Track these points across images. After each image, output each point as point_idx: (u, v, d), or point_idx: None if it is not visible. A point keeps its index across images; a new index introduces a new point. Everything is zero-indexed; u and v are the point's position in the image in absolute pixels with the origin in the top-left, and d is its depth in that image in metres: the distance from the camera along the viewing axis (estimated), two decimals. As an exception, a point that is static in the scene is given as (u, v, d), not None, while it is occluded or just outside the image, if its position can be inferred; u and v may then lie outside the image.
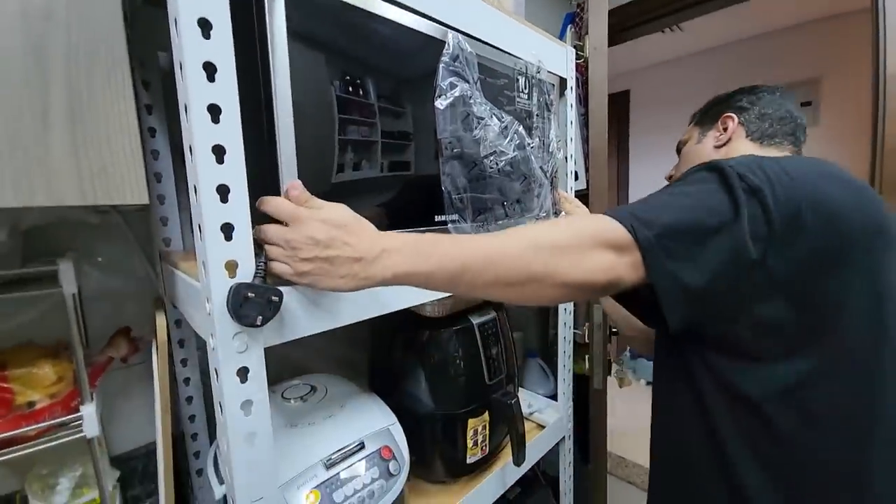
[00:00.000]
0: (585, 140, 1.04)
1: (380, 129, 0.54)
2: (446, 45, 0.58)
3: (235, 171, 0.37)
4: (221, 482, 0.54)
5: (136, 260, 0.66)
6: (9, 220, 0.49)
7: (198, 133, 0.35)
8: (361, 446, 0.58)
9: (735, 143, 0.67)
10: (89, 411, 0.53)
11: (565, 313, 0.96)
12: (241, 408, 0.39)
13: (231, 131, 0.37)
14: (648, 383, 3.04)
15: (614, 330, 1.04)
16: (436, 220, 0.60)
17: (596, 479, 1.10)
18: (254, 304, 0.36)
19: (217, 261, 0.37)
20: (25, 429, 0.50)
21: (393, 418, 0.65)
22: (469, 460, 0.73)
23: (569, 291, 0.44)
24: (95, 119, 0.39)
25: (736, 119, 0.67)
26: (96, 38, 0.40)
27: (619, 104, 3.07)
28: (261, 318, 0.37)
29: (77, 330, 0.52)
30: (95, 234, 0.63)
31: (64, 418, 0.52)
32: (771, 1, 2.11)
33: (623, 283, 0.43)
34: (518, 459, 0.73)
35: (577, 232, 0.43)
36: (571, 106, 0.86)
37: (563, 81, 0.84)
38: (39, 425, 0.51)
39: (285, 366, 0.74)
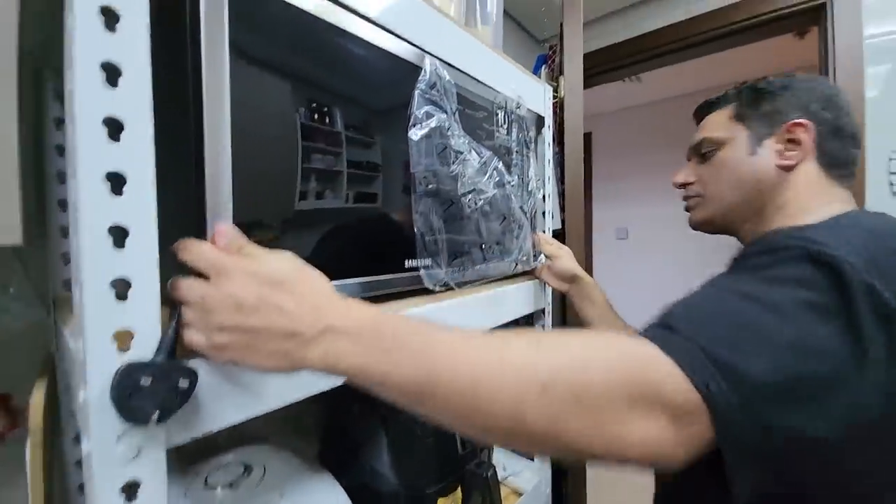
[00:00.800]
0: (560, 179, 1.01)
1: (343, 160, 0.46)
2: (423, 71, 0.52)
3: (139, 207, 0.27)
4: None
5: (23, 307, 0.52)
6: None
7: (85, 154, 0.25)
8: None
9: (802, 169, 0.49)
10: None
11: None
12: (123, 538, 0.27)
13: (137, 154, 0.27)
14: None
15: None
16: (406, 265, 0.52)
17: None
18: (151, 392, 0.26)
19: (102, 329, 0.26)
20: None
21: (348, 502, 0.53)
22: (438, 549, 0.61)
23: (575, 457, 0.32)
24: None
25: (813, 131, 0.49)
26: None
27: (584, 146, 3.20)
28: (158, 412, 0.26)
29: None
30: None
31: None
32: (718, 60, 2.31)
33: (665, 463, 0.29)
34: (495, 544, 0.63)
35: (610, 371, 0.29)
36: (549, 144, 0.83)
37: (540, 119, 0.81)
38: None
39: (218, 445, 0.61)
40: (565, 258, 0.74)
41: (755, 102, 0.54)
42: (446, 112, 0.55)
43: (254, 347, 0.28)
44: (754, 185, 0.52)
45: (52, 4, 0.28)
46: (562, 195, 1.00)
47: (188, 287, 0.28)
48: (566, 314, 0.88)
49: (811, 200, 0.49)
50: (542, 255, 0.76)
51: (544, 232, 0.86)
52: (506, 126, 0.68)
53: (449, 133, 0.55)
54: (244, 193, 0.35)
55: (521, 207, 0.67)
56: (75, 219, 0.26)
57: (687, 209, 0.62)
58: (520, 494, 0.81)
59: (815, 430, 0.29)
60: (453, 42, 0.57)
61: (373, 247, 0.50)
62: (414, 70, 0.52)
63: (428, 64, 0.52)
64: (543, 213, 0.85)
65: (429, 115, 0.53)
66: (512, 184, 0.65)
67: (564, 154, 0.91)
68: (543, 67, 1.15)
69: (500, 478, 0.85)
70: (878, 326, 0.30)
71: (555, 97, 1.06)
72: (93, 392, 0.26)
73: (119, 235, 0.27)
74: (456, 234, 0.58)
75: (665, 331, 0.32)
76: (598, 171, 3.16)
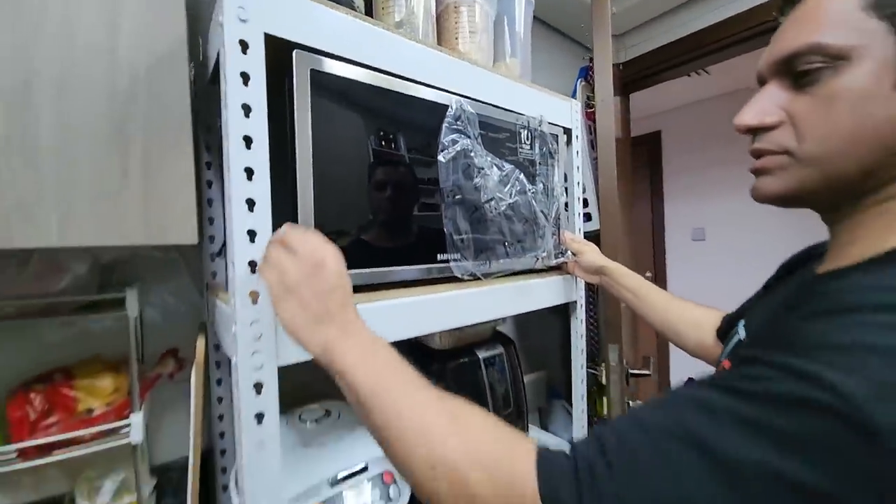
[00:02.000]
0: (598, 183, 1.08)
1: (391, 180, 0.62)
2: (449, 108, 0.67)
3: (263, 219, 0.46)
4: (239, 492, 0.60)
5: (187, 290, 0.77)
6: (90, 257, 0.61)
7: (235, 188, 0.44)
8: (365, 469, 0.62)
9: None
10: (137, 420, 0.61)
11: (580, 354, 0.96)
12: (254, 417, 0.45)
13: (261, 188, 0.46)
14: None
15: (634, 371, 1.03)
16: (438, 258, 0.67)
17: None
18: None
19: (243, 291, 0.45)
20: (82, 432, 0.59)
21: (398, 445, 0.69)
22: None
23: None
24: (162, 176, 0.51)
25: None
26: (167, 113, 0.52)
27: (651, 145, 3.08)
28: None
29: (135, 348, 0.62)
30: (157, 268, 0.75)
31: (114, 424, 0.61)
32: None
33: None
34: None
35: (485, 470, 0.30)
36: (577, 153, 0.92)
37: (568, 131, 0.91)
38: (93, 429, 0.60)
39: (307, 392, 0.81)
40: (589, 253, 0.82)
41: None
42: (469, 137, 0.69)
43: (286, 300, 0.40)
44: (891, 145, 0.31)
45: (210, 94, 0.48)
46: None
47: (275, 249, 0.42)
48: (596, 305, 0.95)
49: None
50: (569, 253, 0.85)
51: (577, 232, 0.94)
52: (529, 142, 0.80)
53: (472, 154, 0.69)
54: (321, 208, 0.52)
55: (542, 211, 0.78)
56: (230, 226, 0.45)
57: (756, 171, 0.39)
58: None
59: None
60: (476, 81, 0.71)
61: (414, 243, 0.65)
62: (444, 108, 0.67)
63: (453, 102, 0.67)
64: (576, 214, 0.94)
65: (454, 142, 0.67)
66: (533, 191, 0.77)
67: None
68: (580, 80, 1.23)
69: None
70: None
71: (590, 107, 1.15)
72: (239, 327, 0.44)
73: (252, 235, 0.45)
74: (481, 233, 0.71)
75: (574, 454, 0.30)
76: (669, 167, 3.02)
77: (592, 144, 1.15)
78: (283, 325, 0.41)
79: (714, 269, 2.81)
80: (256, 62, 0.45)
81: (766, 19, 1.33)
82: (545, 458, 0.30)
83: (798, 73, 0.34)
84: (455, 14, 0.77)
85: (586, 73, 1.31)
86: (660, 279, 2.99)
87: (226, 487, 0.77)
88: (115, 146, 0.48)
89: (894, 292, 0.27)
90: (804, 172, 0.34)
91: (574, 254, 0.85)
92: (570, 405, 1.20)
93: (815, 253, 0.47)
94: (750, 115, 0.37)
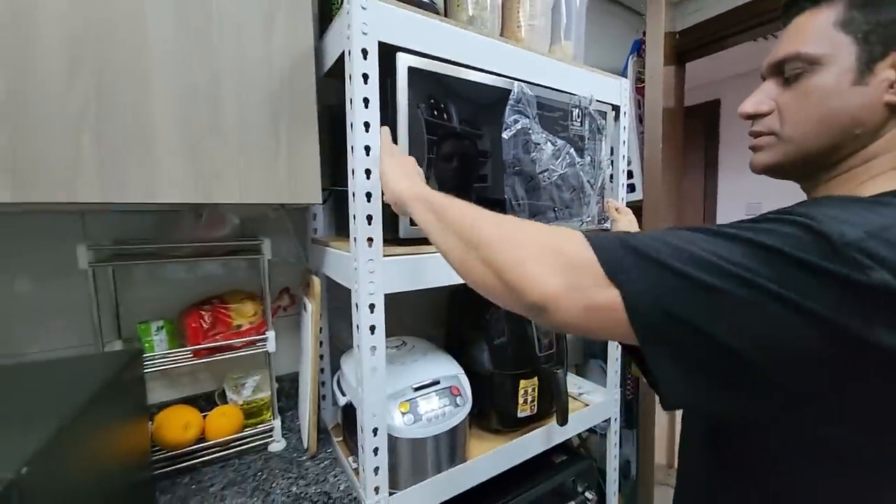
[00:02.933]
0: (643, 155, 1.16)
1: (466, 154, 0.76)
2: (512, 92, 0.79)
3: (376, 185, 0.62)
4: (344, 395, 0.81)
5: (293, 243, 0.97)
6: (239, 212, 0.81)
7: (358, 162, 0.60)
8: (437, 382, 0.80)
9: None
10: (271, 335, 0.83)
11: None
12: (369, 329, 0.63)
13: (375, 160, 0.62)
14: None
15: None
16: (500, 220, 0.81)
17: (644, 473, 1.18)
18: (382, 263, 0.61)
19: (363, 237, 0.62)
20: (236, 340, 0.81)
21: (461, 370, 0.86)
22: (520, 415, 0.91)
23: (501, 284, 0.40)
24: (300, 153, 0.68)
25: None
26: (302, 106, 0.68)
27: (709, 115, 2.96)
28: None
29: (267, 284, 0.83)
30: (273, 224, 0.95)
31: (257, 337, 0.83)
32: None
33: (552, 314, 0.37)
34: (561, 420, 0.89)
35: (539, 233, 0.40)
36: (624, 128, 1.00)
37: (616, 108, 0.99)
38: (244, 339, 0.82)
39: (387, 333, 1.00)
40: (622, 221, 0.92)
41: (871, 4, 0.40)
42: (528, 117, 0.81)
43: (390, 160, 0.56)
44: (848, 129, 0.41)
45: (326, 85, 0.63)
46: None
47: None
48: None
49: None
50: (611, 220, 0.96)
51: (621, 201, 1.04)
52: (579, 119, 0.90)
53: (530, 131, 0.81)
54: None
55: (588, 181, 0.89)
56: (354, 189, 0.61)
57: (753, 148, 0.49)
58: (587, 405, 1.05)
59: (724, 337, 0.31)
60: (534, 67, 0.82)
61: (483, 206, 0.79)
62: (508, 91, 0.79)
63: (515, 87, 0.79)
64: (620, 185, 1.03)
65: (516, 121, 0.79)
66: (582, 163, 0.88)
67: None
68: (633, 56, 1.28)
69: (575, 394, 1.10)
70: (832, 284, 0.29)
71: (641, 81, 1.20)
72: (360, 263, 0.62)
73: (369, 196, 0.61)
74: (535, 200, 0.84)
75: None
76: (727, 138, 2.91)
77: (640, 119, 1.21)
78: (385, 174, 0.55)
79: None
80: (373, 65, 0.60)
81: None
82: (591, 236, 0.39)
83: (786, 73, 0.44)
84: (517, 4, 0.87)
85: (639, 48, 1.35)
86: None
87: (324, 397, 1.00)
88: (271, 132, 0.65)
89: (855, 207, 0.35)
90: (786, 148, 0.45)
91: (613, 220, 0.96)
92: (606, 364, 1.33)
93: None
94: (749, 104, 0.48)
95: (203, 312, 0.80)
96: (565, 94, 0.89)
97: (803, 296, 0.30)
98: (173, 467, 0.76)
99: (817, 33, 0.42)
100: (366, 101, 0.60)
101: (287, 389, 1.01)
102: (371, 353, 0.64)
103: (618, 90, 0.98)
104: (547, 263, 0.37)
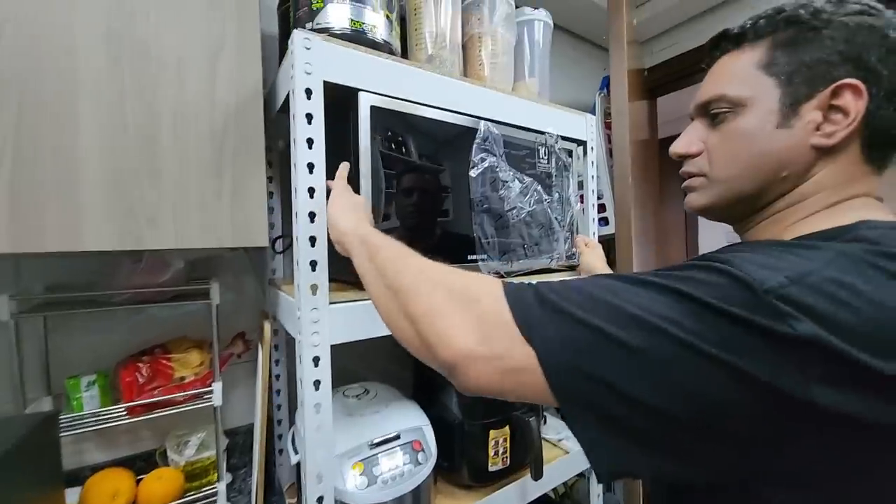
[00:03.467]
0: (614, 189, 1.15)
1: (429, 188, 0.73)
2: (478, 131, 0.77)
3: (321, 228, 0.58)
4: (297, 453, 0.74)
5: (251, 285, 0.92)
6: (184, 255, 0.76)
7: (301, 204, 0.57)
8: (398, 437, 0.73)
9: (843, 149, 0.38)
10: (218, 387, 0.76)
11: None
12: (313, 384, 0.58)
13: (320, 203, 0.58)
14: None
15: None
16: (468, 258, 0.77)
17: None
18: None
19: (306, 284, 0.57)
20: (177, 395, 0.74)
21: (426, 420, 0.80)
22: (491, 468, 0.83)
23: (416, 342, 0.39)
24: (244, 191, 0.64)
25: (865, 96, 0.36)
26: (249, 144, 0.65)
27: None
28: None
29: (215, 331, 0.77)
30: (227, 265, 0.90)
31: (201, 390, 0.76)
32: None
33: (463, 372, 0.35)
34: (535, 474, 0.82)
35: (454, 280, 0.38)
36: (592, 163, 1.00)
37: (583, 144, 0.99)
38: (186, 393, 0.75)
39: (350, 376, 0.94)
40: (588, 255, 0.90)
41: (793, 45, 0.39)
42: (495, 155, 0.79)
43: (340, 198, 0.55)
44: (775, 171, 0.40)
45: (277, 122, 0.60)
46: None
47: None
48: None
49: (837, 195, 0.39)
50: (579, 253, 0.93)
51: (592, 236, 1.02)
52: (546, 157, 0.89)
53: (497, 169, 0.79)
54: (376, 212, 0.64)
55: (556, 218, 0.87)
56: (297, 234, 0.57)
57: (685, 188, 0.48)
58: (567, 452, 0.98)
59: (648, 397, 0.28)
60: (498, 105, 0.81)
61: (448, 244, 0.76)
62: (473, 130, 0.77)
63: (481, 126, 0.77)
64: (591, 220, 1.01)
65: (483, 159, 0.77)
66: (549, 201, 0.86)
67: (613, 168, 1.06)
68: (605, 89, 1.30)
69: (554, 440, 1.03)
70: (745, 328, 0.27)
71: (608, 117, 1.21)
72: (303, 312, 0.57)
73: (312, 241, 0.58)
74: (504, 237, 0.81)
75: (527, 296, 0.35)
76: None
77: (611, 153, 1.22)
78: (331, 212, 0.55)
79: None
80: (318, 105, 0.57)
81: None
82: (507, 284, 0.37)
83: (712, 114, 0.44)
84: (479, 43, 0.87)
85: (607, 84, 1.37)
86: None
87: (281, 451, 0.92)
88: (213, 172, 0.62)
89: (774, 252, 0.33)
90: (716, 190, 0.44)
91: (580, 254, 0.93)
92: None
93: None
94: (680, 145, 0.47)
95: (140, 364, 0.73)
96: (531, 133, 0.88)
97: (727, 350, 0.27)
98: (98, 544, 0.67)
99: (740, 75, 0.42)
100: (309, 141, 0.57)
101: (242, 444, 0.93)
102: (315, 412, 0.58)
103: (584, 126, 0.98)
104: (460, 317, 0.35)
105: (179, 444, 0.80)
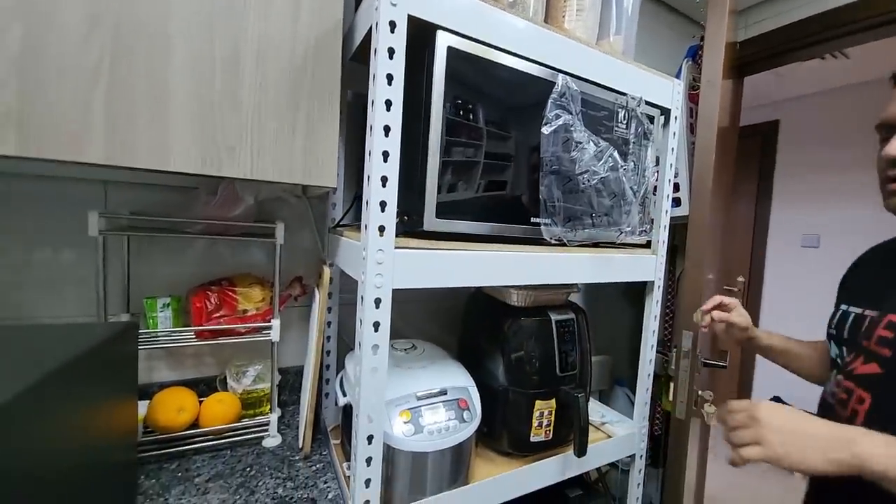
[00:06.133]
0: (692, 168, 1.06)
1: (500, 146, 0.70)
2: (556, 85, 0.72)
3: (393, 168, 0.57)
4: (345, 395, 0.75)
5: (309, 232, 0.94)
6: (255, 191, 0.78)
7: (376, 142, 0.55)
8: (445, 392, 0.73)
9: None
10: (276, 323, 0.79)
11: (651, 335, 0.98)
12: (372, 326, 0.58)
13: (395, 142, 0.56)
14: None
15: (707, 360, 1.01)
16: (531, 220, 0.74)
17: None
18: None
19: (374, 225, 0.56)
20: (240, 325, 0.78)
21: (472, 382, 0.79)
22: (533, 438, 0.82)
23: None
24: (318, 130, 0.64)
25: None
26: (325, 82, 0.65)
27: (766, 137, 2.76)
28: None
29: (278, 269, 0.79)
30: (291, 211, 0.92)
31: (262, 324, 0.79)
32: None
33: None
34: (578, 450, 0.80)
35: None
36: (674, 134, 0.91)
37: (666, 112, 0.90)
38: (248, 325, 0.78)
39: (395, 334, 0.94)
40: (733, 316, 0.83)
41: None
42: (571, 113, 0.74)
43: (786, 447, 0.50)
44: None
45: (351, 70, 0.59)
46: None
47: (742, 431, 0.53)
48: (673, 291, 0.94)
49: None
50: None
51: (664, 214, 0.94)
52: (625, 122, 0.82)
53: (572, 129, 0.74)
54: (445, 162, 0.62)
55: (631, 188, 0.80)
56: (370, 173, 0.56)
57: (891, 193, 0.54)
58: (610, 437, 0.94)
59: None
60: (580, 59, 0.75)
61: (513, 203, 0.73)
62: (550, 84, 0.72)
63: (560, 80, 0.72)
64: (665, 197, 0.94)
65: (557, 116, 0.72)
66: (625, 168, 0.79)
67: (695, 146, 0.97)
68: (687, 60, 1.18)
69: (597, 423, 1.00)
70: None
71: (695, 89, 1.10)
72: (369, 252, 0.56)
73: (384, 181, 0.56)
74: (571, 203, 0.76)
75: None
76: (783, 163, 2.70)
77: (692, 128, 1.11)
78: (799, 465, 0.49)
79: (825, 277, 2.50)
80: (401, 39, 0.55)
81: None
82: None
83: None
84: (565, -7, 0.80)
85: (695, 53, 1.25)
86: (755, 284, 2.73)
87: (328, 395, 0.95)
88: (291, 105, 0.62)
89: None
90: None
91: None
92: (633, 392, 1.22)
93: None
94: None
95: (210, 293, 0.77)
96: (611, 93, 0.81)
97: None
98: (163, 451, 0.73)
99: None
100: (389, 77, 0.55)
101: (291, 383, 0.97)
102: (373, 352, 0.58)
103: (670, 92, 0.89)
104: None
105: (238, 374, 0.84)
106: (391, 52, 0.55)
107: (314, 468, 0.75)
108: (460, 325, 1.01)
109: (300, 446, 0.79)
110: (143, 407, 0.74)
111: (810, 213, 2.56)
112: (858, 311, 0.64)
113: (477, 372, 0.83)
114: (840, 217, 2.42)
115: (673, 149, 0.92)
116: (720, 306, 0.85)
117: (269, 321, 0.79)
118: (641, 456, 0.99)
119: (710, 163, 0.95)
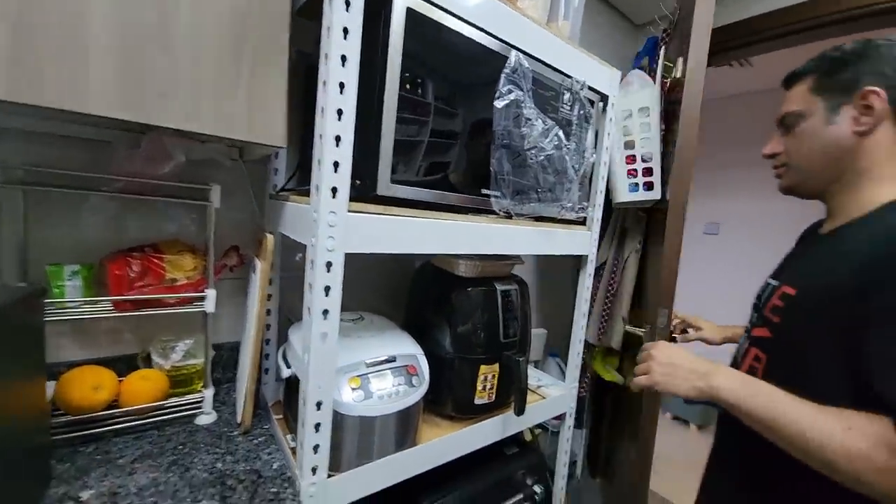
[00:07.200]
0: (663, 155, 1.17)
1: (453, 116, 0.71)
2: (509, 60, 0.74)
3: (348, 127, 0.55)
4: (289, 367, 0.73)
5: (248, 199, 0.88)
6: (185, 149, 0.71)
7: (331, 98, 0.53)
8: (394, 360, 0.74)
9: (881, 131, 0.56)
10: (211, 293, 0.73)
11: (584, 304, 1.06)
12: (323, 290, 0.56)
13: (350, 100, 0.55)
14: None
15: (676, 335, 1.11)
16: (482, 191, 0.76)
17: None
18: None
19: (327, 186, 0.55)
20: (169, 295, 0.71)
21: (421, 350, 0.80)
22: (477, 401, 0.86)
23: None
24: (264, 82, 0.60)
25: (884, 95, 0.55)
26: (272, 33, 0.60)
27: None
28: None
29: (212, 234, 0.73)
30: (227, 176, 0.85)
31: (195, 294, 0.73)
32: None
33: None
34: (518, 409, 0.86)
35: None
36: (611, 120, 0.99)
37: (605, 98, 0.97)
38: (178, 295, 0.72)
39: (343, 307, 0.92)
40: (706, 328, 1.00)
41: (831, 72, 0.61)
42: (523, 90, 0.76)
43: (670, 377, 0.63)
44: (833, 153, 0.60)
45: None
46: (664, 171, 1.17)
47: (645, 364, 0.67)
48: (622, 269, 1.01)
49: (893, 163, 0.57)
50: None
51: (597, 194, 1.02)
52: (570, 103, 0.87)
53: (523, 105, 0.76)
54: (400, 126, 0.61)
55: (573, 167, 0.86)
56: (321, 131, 0.54)
57: (776, 176, 0.70)
58: (544, 398, 1.02)
59: None
60: (532, 37, 0.78)
61: (466, 175, 0.74)
62: (503, 59, 0.74)
63: (513, 55, 0.74)
64: (602, 178, 1.01)
65: (510, 91, 0.75)
66: (568, 148, 0.85)
67: (677, 132, 1.05)
68: (650, 54, 1.28)
69: (534, 387, 1.08)
70: None
71: (665, 78, 1.19)
72: (321, 215, 0.55)
73: (338, 140, 0.54)
74: (519, 178, 0.79)
75: None
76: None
77: (664, 116, 1.21)
78: (673, 390, 0.63)
79: (722, 261, 2.88)
80: (359, -9, 0.53)
81: (814, 14, 1.34)
82: None
83: (786, 125, 0.67)
84: (519, -29, 0.82)
85: (654, 45, 1.34)
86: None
87: (267, 370, 0.91)
88: (233, 53, 0.56)
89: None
90: (795, 174, 0.68)
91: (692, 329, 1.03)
92: (565, 362, 1.32)
93: (814, 226, 0.76)
94: (768, 148, 0.71)
95: (131, 260, 0.69)
96: (559, 75, 0.85)
97: None
98: (77, 433, 0.65)
99: (800, 97, 0.65)
100: (345, 30, 0.53)
101: (226, 359, 0.92)
102: (323, 317, 0.57)
103: (608, 80, 0.96)
104: None
105: (165, 349, 0.78)
106: (347, 3, 0.52)
107: (255, 441, 0.72)
108: (407, 297, 1.02)
109: (238, 421, 0.75)
110: (50, 388, 0.66)
111: (714, 204, 2.92)
112: (773, 282, 0.72)
113: (424, 341, 0.85)
114: (737, 209, 2.80)
115: (609, 133, 0.99)
116: (685, 323, 1.03)
117: (203, 291, 0.73)
118: (571, 414, 1.09)
119: (692, 149, 1.04)
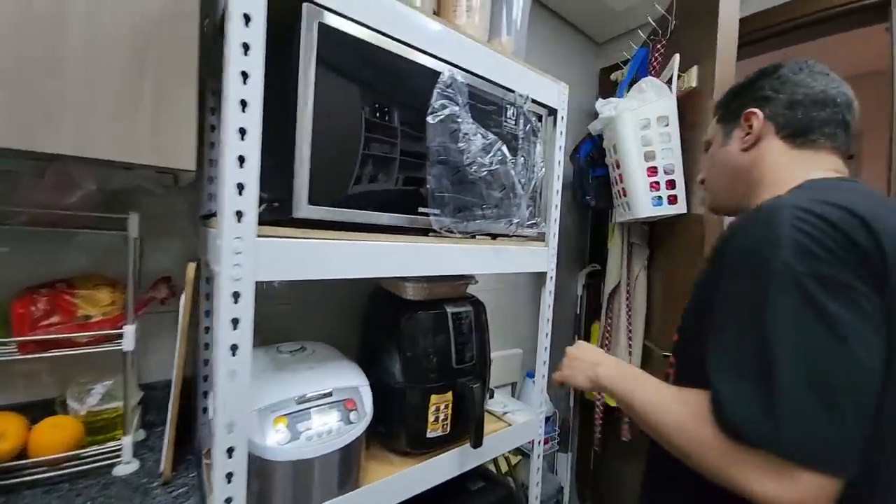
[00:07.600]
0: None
1: (382, 134, 0.68)
2: (441, 76, 0.72)
3: (253, 146, 0.51)
4: (216, 406, 0.67)
5: (182, 227, 0.83)
6: (100, 178, 0.67)
7: (231, 117, 0.50)
8: (330, 394, 0.68)
9: (765, 144, 0.62)
10: (130, 330, 0.68)
11: (546, 323, 1.02)
12: (230, 323, 0.51)
13: (254, 118, 0.51)
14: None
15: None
16: (419, 210, 0.73)
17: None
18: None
19: (231, 210, 0.51)
20: (79, 334, 0.66)
21: (364, 382, 0.75)
22: (429, 434, 0.80)
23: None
24: (170, 101, 0.56)
25: (761, 115, 0.61)
26: (180, 52, 0.57)
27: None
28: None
29: (132, 267, 0.68)
30: (158, 203, 0.81)
31: (110, 332, 0.68)
32: (810, 55, 2.11)
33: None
34: (474, 441, 0.80)
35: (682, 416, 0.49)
36: (561, 133, 0.97)
37: (553, 112, 0.95)
38: (90, 333, 0.66)
39: (293, 336, 0.87)
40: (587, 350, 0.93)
41: (726, 102, 0.70)
42: (458, 105, 0.74)
43: (573, 368, 0.70)
44: (731, 171, 0.67)
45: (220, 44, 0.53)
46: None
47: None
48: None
49: (783, 170, 0.59)
50: None
51: (556, 208, 0.99)
52: (514, 118, 0.85)
53: (459, 120, 0.74)
54: (317, 150, 0.58)
55: (520, 181, 0.83)
56: (223, 151, 0.50)
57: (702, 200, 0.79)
58: (510, 425, 0.96)
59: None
60: (468, 53, 0.76)
61: (399, 194, 0.70)
62: (436, 75, 0.72)
63: (445, 70, 0.72)
64: (556, 192, 0.99)
65: (443, 106, 0.72)
66: (514, 162, 0.82)
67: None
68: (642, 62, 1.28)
69: (499, 413, 1.02)
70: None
71: (682, 88, 1.18)
72: (224, 241, 0.50)
73: (241, 161, 0.51)
74: (461, 194, 0.76)
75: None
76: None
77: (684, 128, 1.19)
78: (574, 382, 0.70)
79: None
80: (258, 3, 0.50)
81: (776, 20, 1.35)
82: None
83: (707, 149, 0.75)
84: (455, -12, 0.81)
85: (646, 55, 1.34)
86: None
87: (205, 410, 0.84)
88: (133, 73, 0.53)
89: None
90: (710, 194, 0.74)
91: None
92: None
93: None
94: (699, 175, 0.77)
95: (37, 297, 0.64)
96: (500, 90, 0.83)
97: None
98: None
99: (710, 127, 0.74)
100: (245, 46, 0.50)
101: (161, 399, 0.85)
102: (230, 353, 0.52)
103: (556, 93, 0.95)
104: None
105: (81, 393, 0.71)
106: (247, 18, 0.50)
107: (175, 493, 0.65)
108: (361, 324, 0.96)
109: (160, 471, 0.68)
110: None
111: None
112: None
113: (374, 371, 0.80)
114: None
115: (560, 147, 0.97)
116: None
117: (121, 327, 0.68)
118: (539, 441, 1.02)
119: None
